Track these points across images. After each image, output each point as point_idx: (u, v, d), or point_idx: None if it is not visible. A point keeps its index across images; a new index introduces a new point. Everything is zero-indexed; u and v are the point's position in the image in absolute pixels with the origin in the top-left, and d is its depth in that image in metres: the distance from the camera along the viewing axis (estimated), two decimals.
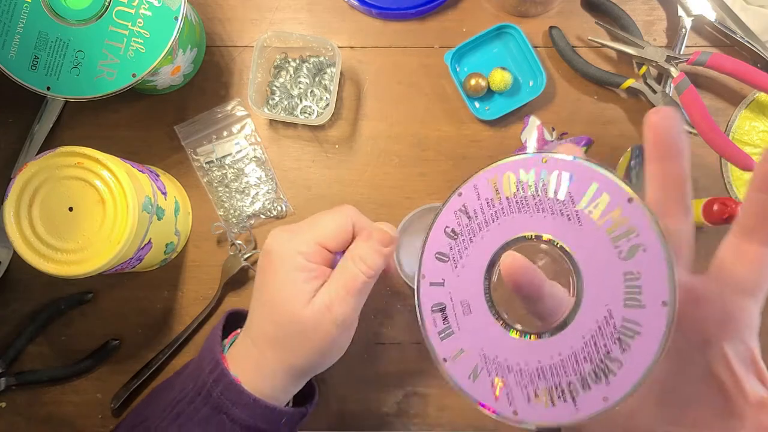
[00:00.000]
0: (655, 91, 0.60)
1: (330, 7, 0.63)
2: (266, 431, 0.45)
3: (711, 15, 0.61)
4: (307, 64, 0.61)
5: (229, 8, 0.63)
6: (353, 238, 0.46)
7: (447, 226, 0.32)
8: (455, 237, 0.32)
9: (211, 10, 0.63)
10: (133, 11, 0.51)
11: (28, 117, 0.60)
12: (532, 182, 0.30)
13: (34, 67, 0.51)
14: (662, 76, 0.61)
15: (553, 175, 0.29)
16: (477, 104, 0.61)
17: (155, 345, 0.60)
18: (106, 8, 0.51)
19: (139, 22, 0.51)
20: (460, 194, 0.32)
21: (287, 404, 0.48)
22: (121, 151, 0.53)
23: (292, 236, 0.45)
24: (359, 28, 0.62)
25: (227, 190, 0.61)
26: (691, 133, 0.58)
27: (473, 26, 0.62)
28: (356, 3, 0.61)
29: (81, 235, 0.47)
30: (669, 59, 0.59)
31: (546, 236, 0.30)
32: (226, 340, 0.49)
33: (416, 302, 0.33)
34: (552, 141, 0.61)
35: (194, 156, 0.61)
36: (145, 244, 0.51)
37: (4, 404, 0.59)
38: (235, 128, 0.61)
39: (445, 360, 0.31)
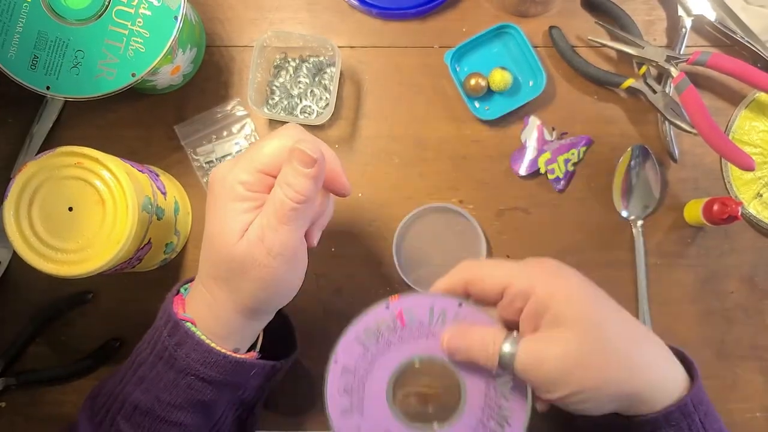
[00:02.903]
0: (655, 91, 0.60)
1: (330, 7, 0.63)
2: (237, 383, 0.44)
3: (711, 15, 0.61)
4: (306, 63, 0.61)
5: (229, 8, 0.63)
6: None
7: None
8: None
9: (211, 10, 0.63)
10: (132, 11, 0.51)
11: (27, 117, 0.60)
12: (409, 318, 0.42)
13: (33, 67, 0.51)
14: (662, 76, 0.61)
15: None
16: (477, 104, 0.61)
17: None
18: (106, 8, 0.51)
19: (139, 22, 0.51)
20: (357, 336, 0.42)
21: (259, 357, 0.47)
22: (121, 151, 0.53)
23: (233, 165, 0.42)
24: (359, 28, 0.62)
25: None
26: (691, 132, 0.58)
27: (473, 26, 0.62)
28: (356, 3, 0.61)
29: (81, 235, 0.47)
30: (669, 59, 0.59)
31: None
32: (190, 284, 0.48)
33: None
34: (552, 141, 0.61)
35: (194, 156, 0.61)
36: (144, 244, 0.51)
37: (4, 404, 0.59)
38: (234, 128, 0.61)
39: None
